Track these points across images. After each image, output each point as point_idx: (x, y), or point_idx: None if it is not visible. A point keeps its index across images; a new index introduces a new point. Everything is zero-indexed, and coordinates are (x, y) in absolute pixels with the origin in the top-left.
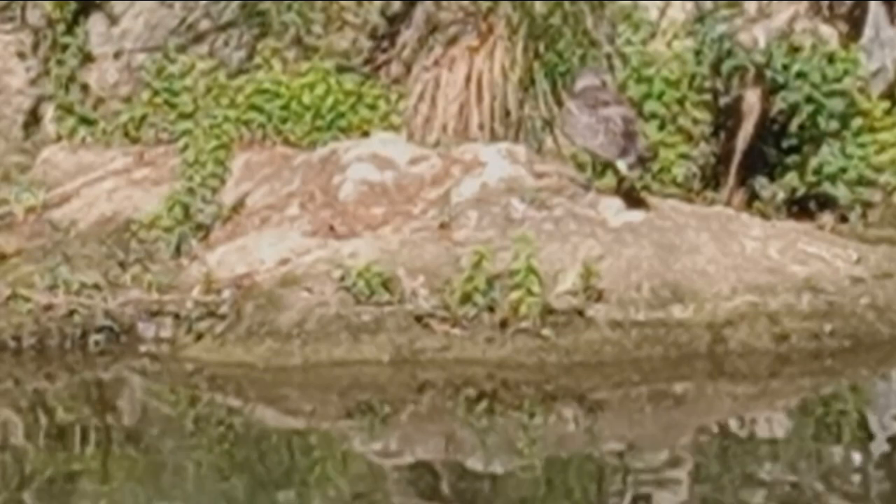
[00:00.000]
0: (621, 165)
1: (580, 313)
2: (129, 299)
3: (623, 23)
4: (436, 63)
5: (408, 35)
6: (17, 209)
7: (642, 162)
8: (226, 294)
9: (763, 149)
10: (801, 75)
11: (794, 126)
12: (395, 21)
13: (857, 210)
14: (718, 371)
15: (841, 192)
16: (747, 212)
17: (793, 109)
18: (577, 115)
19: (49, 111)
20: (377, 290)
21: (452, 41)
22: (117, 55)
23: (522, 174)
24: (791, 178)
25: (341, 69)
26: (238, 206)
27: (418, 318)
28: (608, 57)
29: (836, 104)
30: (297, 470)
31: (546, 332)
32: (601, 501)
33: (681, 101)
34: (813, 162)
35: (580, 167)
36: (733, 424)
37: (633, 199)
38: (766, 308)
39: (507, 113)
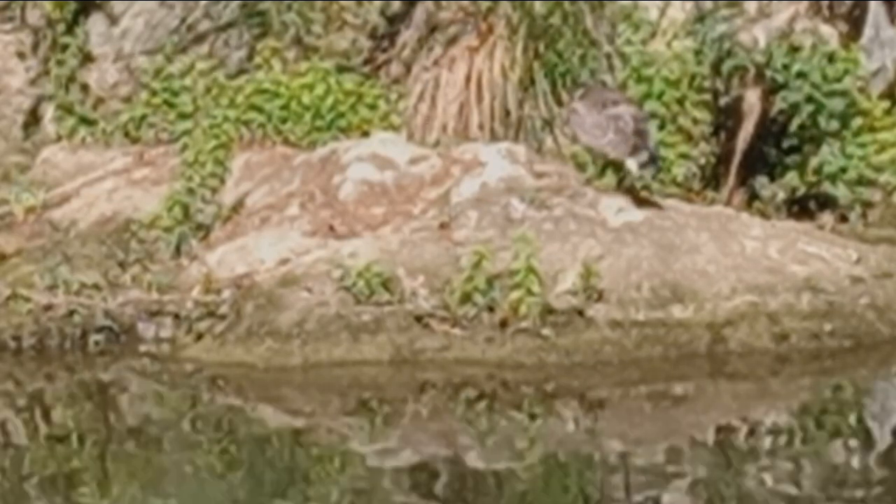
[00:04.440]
0: (631, 164)
1: (580, 313)
2: (129, 299)
3: (623, 23)
4: (436, 63)
5: (408, 35)
6: (17, 209)
7: (654, 161)
8: (226, 294)
9: (763, 149)
10: (801, 75)
11: (794, 126)
12: (395, 21)
13: (857, 210)
14: (718, 371)
15: (841, 191)
16: (747, 212)
17: (793, 109)
18: (584, 113)
19: (49, 111)
20: (377, 290)
21: (452, 41)
22: (117, 55)
23: (522, 174)
24: (791, 177)
25: (341, 69)
26: (238, 206)
27: (418, 318)
28: (608, 57)
29: (837, 104)
30: (297, 470)
31: (546, 332)
32: (601, 501)
33: (681, 101)
34: (813, 162)
35: (580, 167)
36: (733, 424)
37: (636, 197)
38: (766, 308)
39: (507, 113)
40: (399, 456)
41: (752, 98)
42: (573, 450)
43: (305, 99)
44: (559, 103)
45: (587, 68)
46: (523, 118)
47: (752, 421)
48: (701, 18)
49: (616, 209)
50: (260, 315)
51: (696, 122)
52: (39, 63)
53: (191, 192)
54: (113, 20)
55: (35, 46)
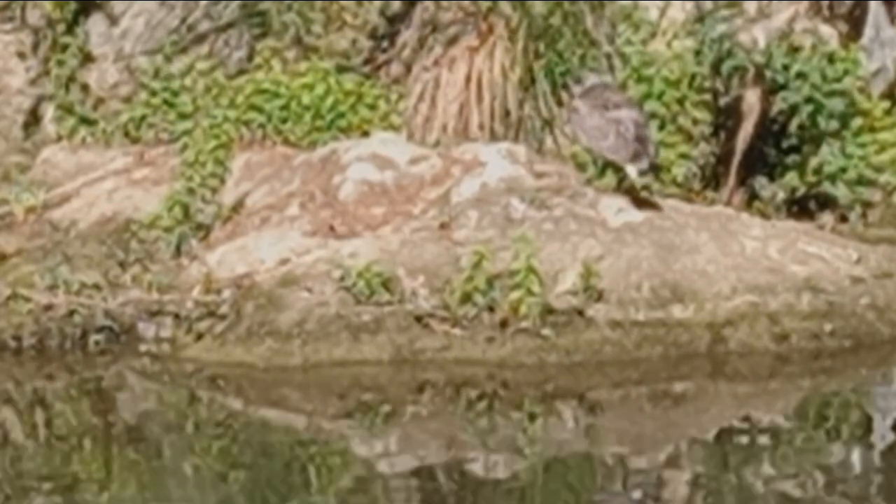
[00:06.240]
0: (631, 171)
1: (580, 313)
2: (129, 299)
3: (623, 23)
4: (436, 63)
5: (408, 35)
6: (17, 209)
7: (654, 169)
8: (226, 294)
9: (763, 149)
10: (801, 75)
11: (794, 126)
12: (395, 21)
13: (857, 210)
14: (718, 371)
15: (841, 191)
16: (747, 212)
17: (793, 109)
18: (585, 114)
19: (49, 111)
20: (377, 290)
21: (452, 41)
22: (117, 55)
23: (522, 174)
24: (791, 177)
25: (341, 69)
26: (238, 206)
27: (418, 318)
28: (608, 57)
29: (836, 104)
30: (296, 470)
31: (546, 332)
32: (601, 501)
33: (681, 101)
34: (813, 162)
35: (580, 167)
36: (733, 424)
37: (636, 198)
38: (766, 308)
39: (507, 113)
40: (399, 456)
41: (752, 98)
42: (573, 450)
43: (305, 99)
44: (559, 103)
45: (587, 68)
46: (523, 118)
47: (752, 421)
48: (701, 18)
49: (616, 209)
50: (260, 315)
51: (696, 122)
52: (39, 63)
53: (191, 192)
54: (113, 20)
55: (35, 46)
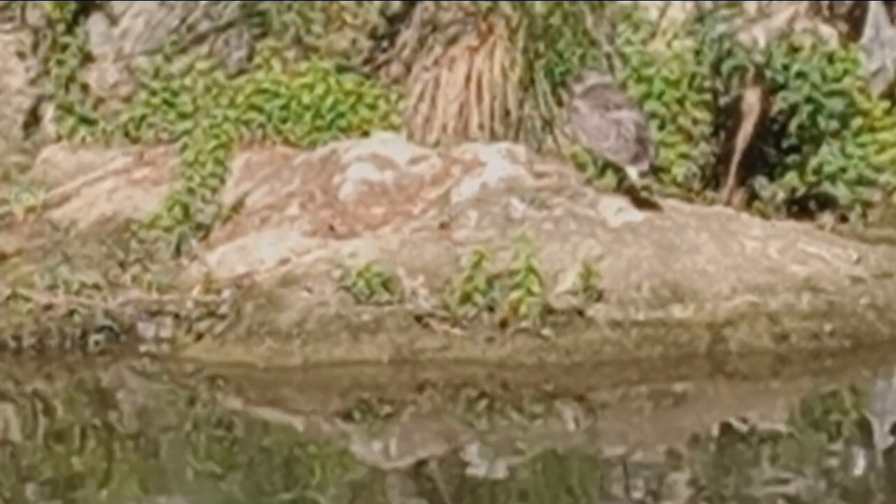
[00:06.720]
0: (632, 172)
1: (580, 313)
2: (129, 299)
3: (623, 23)
4: (436, 63)
5: (408, 35)
6: (17, 209)
7: (654, 171)
8: (226, 294)
9: (763, 149)
10: (800, 75)
11: (793, 126)
12: (395, 21)
13: (857, 210)
14: (718, 371)
15: (841, 191)
16: (747, 212)
17: (793, 109)
18: (586, 113)
19: (49, 111)
20: (377, 290)
21: (452, 41)
22: (117, 55)
23: (522, 174)
24: (791, 177)
25: (341, 69)
26: (238, 206)
27: (418, 318)
28: (608, 57)
29: (836, 104)
30: (296, 470)
31: (546, 332)
32: (601, 501)
33: (681, 101)
34: (813, 162)
35: (580, 167)
36: (733, 424)
37: (636, 198)
38: (766, 308)
39: (507, 113)
40: (399, 456)
41: (752, 98)
42: (573, 450)
43: (305, 99)
44: (559, 103)
45: (587, 68)
46: (523, 118)
47: (752, 421)
48: (701, 18)
49: (616, 209)
50: (260, 315)
51: (696, 122)
52: (39, 63)
53: (191, 192)
54: (113, 20)
55: (35, 46)
